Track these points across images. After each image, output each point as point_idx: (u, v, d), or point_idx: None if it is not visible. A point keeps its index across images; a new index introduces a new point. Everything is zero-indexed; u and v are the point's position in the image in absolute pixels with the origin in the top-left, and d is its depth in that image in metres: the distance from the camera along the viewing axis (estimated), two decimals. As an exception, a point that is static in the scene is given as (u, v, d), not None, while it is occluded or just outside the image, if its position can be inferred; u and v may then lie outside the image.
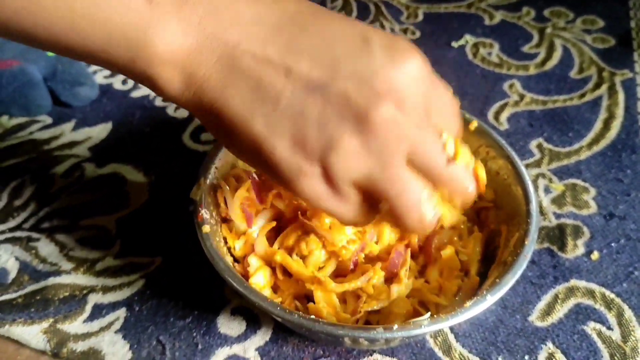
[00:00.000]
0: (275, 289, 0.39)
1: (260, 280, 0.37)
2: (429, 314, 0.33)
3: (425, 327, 0.31)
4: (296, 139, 0.26)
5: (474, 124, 0.43)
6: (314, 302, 0.36)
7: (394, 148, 0.26)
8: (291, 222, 0.39)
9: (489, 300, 0.32)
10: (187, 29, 0.26)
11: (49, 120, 0.57)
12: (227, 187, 0.39)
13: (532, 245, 0.35)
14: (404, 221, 0.28)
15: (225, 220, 0.40)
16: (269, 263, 0.39)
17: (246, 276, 0.38)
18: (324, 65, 0.26)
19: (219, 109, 0.27)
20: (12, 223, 0.48)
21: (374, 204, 0.29)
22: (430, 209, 0.29)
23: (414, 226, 0.29)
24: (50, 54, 0.58)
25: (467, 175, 0.30)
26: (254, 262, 0.38)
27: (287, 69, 0.26)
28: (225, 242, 0.39)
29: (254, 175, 0.39)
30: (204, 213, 0.37)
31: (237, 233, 0.39)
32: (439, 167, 0.28)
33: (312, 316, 0.33)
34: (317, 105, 0.26)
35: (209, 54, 0.26)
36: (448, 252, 0.38)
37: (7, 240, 0.46)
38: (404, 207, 0.28)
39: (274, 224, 0.39)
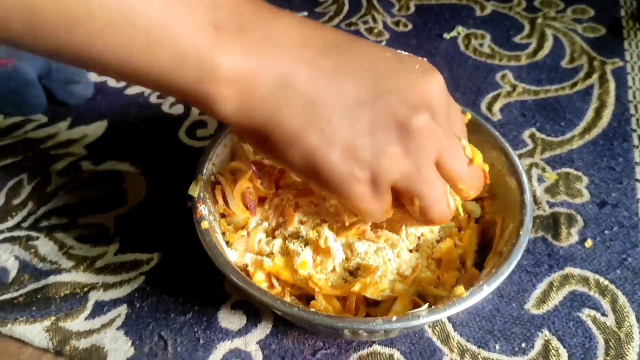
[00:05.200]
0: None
1: (261, 277, 0.37)
2: (426, 305, 0.34)
3: (424, 317, 0.32)
4: (348, 148, 0.30)
5: (468, 116, 0.43)
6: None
7: (429, 151, 0.31)
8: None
9: (486, 290, 0.33)
10: (248, 52, 0.28)
11: (44, 119, 0.57)
12: (226, 181, 0.39)
13: (527, 235, 0.36)
14: (434, 213, 0.33)
15: (224, 215, 0.40)
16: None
17: (245, 271, 0.38)
18: (369, 83, 0.30)
19: (273, 126, 0.30)
20: (10, 222, 0.48)
21: (398, 202, 0.33)
22: (452, 201, 0.33)
23: (442, 216, 0.33)
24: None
25: (481, 174, 0.35)
26: (248, 259, 0.38)
27: (338, 87, 0.30)
28: (224, 237, 0.39)
29: (254, 168, 0.39)
30: (203, 209, 0.37)
31: (236, 228, 0.40)
32: (463, 168, 0.33)
33: (312, 309, 0.33)
34: (366, 117, 0.30)
35: (266, 75, 0.29)
36: (447, 244, 0.39)
37: (6, 240, 0.46)
38: (433, 201, 0.32)
39: (265, 226, 0.40)
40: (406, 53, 0.33)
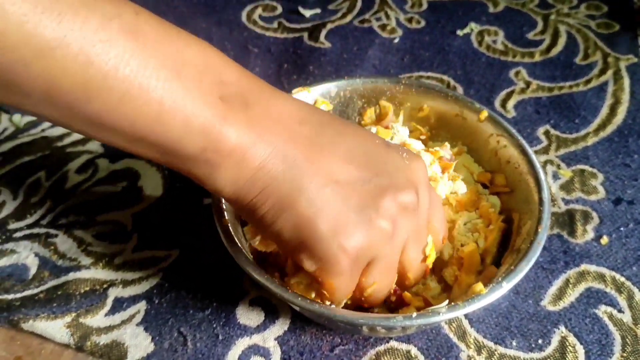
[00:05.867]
0: None
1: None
2: (446, 301, 0.34)
3: (443, 314, 0.32)
4: (338, 221, 0.31)
5: (484, 114, 0.44)
6: None
7: (405, 232, 0.33)
8: None
9: (505, 287, 0.33)
10: (250, 125, 0.30)
11: (60, 117, 0.58)
12: None
13: (545, 232, 0.36)
14: (376, 297, 0.35)
15: None
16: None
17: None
18: (360, 164, 0.32)
19: (266, 196, 0.31)
20: (29, 220, 0.48)
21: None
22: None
23: (376, 303, 0.36)
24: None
25: (425, 271, 0.38)
26: None
27: (330, 165, 0.31)
28: (244, 234, 0.40)
29: None
30: (223, 205, 0.37)
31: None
32: (418, 261, 0.36)
33: (332, 305, 0.34)
34: (356, 195, 0.31)
35: (263, 149, 0.30)
36: (470, 248, 0.39)
37: (25, 237, 0.47)
38: (382, 289, 0.35)
39: None
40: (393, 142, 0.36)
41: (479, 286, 0.34)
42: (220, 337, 0.40)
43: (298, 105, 0.33)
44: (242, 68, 0.32)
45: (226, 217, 0.37)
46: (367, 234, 0.31)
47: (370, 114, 0.48)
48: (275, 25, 0.70)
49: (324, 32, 0.69)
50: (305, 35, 0.69)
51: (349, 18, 0.71)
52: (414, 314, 0.32)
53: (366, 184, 0.32)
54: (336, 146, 0.32)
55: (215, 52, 0.31)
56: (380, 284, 0.34)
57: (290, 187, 0.30)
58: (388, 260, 0.33)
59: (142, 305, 0.42)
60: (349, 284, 0.33)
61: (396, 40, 0.67)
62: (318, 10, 0.73)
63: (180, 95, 0.28)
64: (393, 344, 0.40)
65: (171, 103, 0.28)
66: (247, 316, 0.41)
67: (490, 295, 0.33)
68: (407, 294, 0.37)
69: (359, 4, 0.74)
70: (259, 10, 0.73)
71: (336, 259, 0.31)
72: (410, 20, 0.71)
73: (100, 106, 0.27)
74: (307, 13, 0.72)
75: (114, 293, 0.43)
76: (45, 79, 0.26)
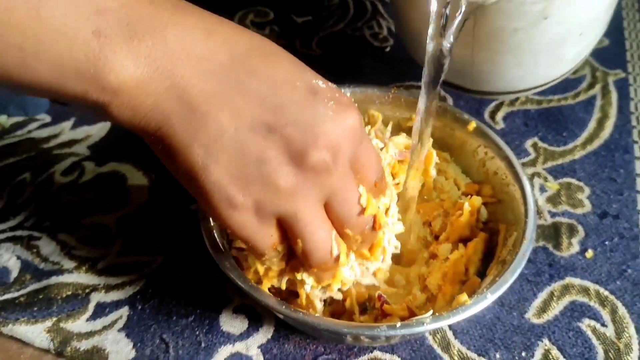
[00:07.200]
0: None
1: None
2: (430, 312, 0.34)
3: (428, 324, 0.32)
4: (232, 172, 0.28)
5: (473, 125, 0.44)
6: None
7: (319, 192, 0.30)
8: None
9: (489, 298, 0.33)
10: (136, 60, 0.27)
11: (47, 118, 0.57)
12: None
13: (530, 243, 0.36)
14: (314, 257, 0.32)
15: None
16: None
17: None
18: (269, 109, 0.29)
19: (163, 135, 0.28)
20: (12, 222, 0.48)
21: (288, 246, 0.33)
22: (336, 248, 0.33)
23: (321, 262, 0.33)
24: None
25: (371, 222, 0.34)
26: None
27: (233, 108, 0.28)
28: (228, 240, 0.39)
29: None
30: None
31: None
32: (352, 213, 0.32)
33: (317, 314, 0.33)
34: (258, 145, 0.28)
35: (157, 85, 0.27)
36: (455, 256, 0.39)
37: (8, 239, 0.46)
38: (315, 245, 0.32)
39: None
40: (330, 84, 0.31)
41: (464, 297, 0.34)
42: (203, 345, 0.40)
43: (206, 32, 0.29)
44: None
45: (212, 223, 0.37)
46: (264, 190, 0.29)
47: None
48: (267, 31, 0.70)
49: (315, 40, 0.69)
50: (297, 42, 0.69)
51: (341, 25, 0.71)
52: (398, 324, 0.32)
53: (271, 135, 0.28)
54: (244, 86, 0.29)
55: None
56: (308, 244, 0.31)
57: (184, 129, 0.28)
58: (298, 218, 0.30)
59: (124, 311, 0.42)
60: (259, 237, 0.31)
61: (387, 50, 0.67)
62: (310, 18, 0.73)
63: (44, 32, 0.25)
64: (377, 354, 0.40)
65: (34, 47, 0.25)
66: (231, 324, 0.41)
67: (475, 306, 0.33)
68: (387, 307, 0.37)
69: (351, 12, 0.74)
70: (251, 16, 0.73)
71: (227, 213, 0.29)
72: (401, 29, 0.71)
73: None
74: (299, 19, 0.72)
75: (96, 298, 0.42)
76: None
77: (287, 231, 0.32)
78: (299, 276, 0.34)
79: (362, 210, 0.32)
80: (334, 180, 0.30)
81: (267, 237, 0.31)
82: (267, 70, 0.29)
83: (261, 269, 0.35)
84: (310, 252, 0.32)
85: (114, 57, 0.26)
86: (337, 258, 0.33)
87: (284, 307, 0.33)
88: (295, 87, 0.30)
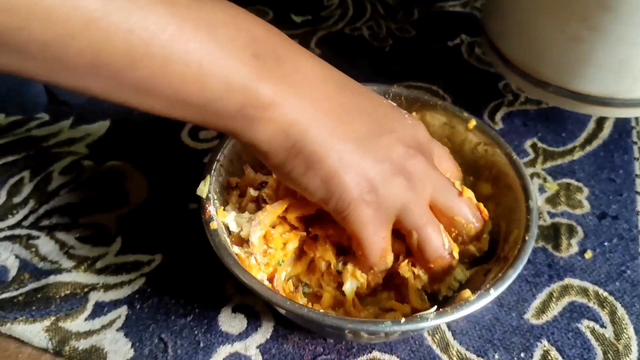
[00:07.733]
0: None
1: (263, 277, 0.37)
2: (434, 307, 0.34)
3: (432, 320, 0.32)
4: (361, 173, 0.33)
5: (473, 122, 0.44)
6: None
7: (426, 189, 0.36)
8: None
9: (492, 294, 0.33)
10: (284, 81, 0.32)
11: (46, 117, 0.57)
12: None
13: (532, 240, 0.36)
14: (431, 247, 0.36)
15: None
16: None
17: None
18: (373, 122, 0.35)
19: (299, 149, 0.33)
20: (11, 221, 0.48)
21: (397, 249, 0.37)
22: (447, 241, 0.37)
23: (437, 252, 0.36)
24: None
25: (474, 205, 0.39)
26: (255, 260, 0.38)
27: (350, 121, 0.34)
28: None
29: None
30: (211, 209, 0.37)
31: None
32: (454, 200, 0.37)
33: (321, 310, 0.33)
34: (373, 150, 0.34)
35: (297, 103, 0.32)
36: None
37: (6, 238, 0.46)
38: (430, 236, 0.36)
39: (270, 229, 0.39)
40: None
41: (467, 293, 0.34)
42: (202, 344, 0.40)
43: (321, 64, 0.35)
44: (269, 24, 0.33)
45: (215, 222, 0.37)
46: (386, 186, 0.34)
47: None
48: (266, 30, 0.70)
49: (314, 39, 0.69)
50: (296, 41, 0.68)
51: (340, 25, 0.71)
52: (402, 319, 0.32)
53: (380, 139, 0.34)
54: (354, 105, 0.35)
55: (243, 11, 0.32)
56: (423, 233, 0.36)
57: (319, 143, 0.32)
58: (415, 211, 0.35)
59: (123, 310, 0.42)
60: (377, 238, 0.35)
61: (387, 49, 0.67)
62: (309, 17, 0.72)
63: (217, 56, 0.29)
64: (376, 354, 0.40)
65: (210, 64, 0.29)
66: (230, 323, 0.41)
67: (479, 302, 0.33)
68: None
69: (350, 12, 0.74)
70: (251, 15, 0.73)
71: (359, 209, 0.34)
72: (401, 29, 0.71)
73: (143, 73, 0.28)
74: (299, 19, 0.72)
75: (95, 297, 0.42)
76: (92, 51, 0.26)
77: (401, 228, 0.36)
78: (416, 271, 0.37)
79: (460, 193, 0.38)
80: (431, 177, 0.36)
81: (383, 242, 0.36)
82: (363, 92, 0.36)
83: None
84: (426, 242, 0.36)
85: (269, 76, 0.31)
86: (451, 253, 0.37)
87: (288, 302, 0.33)
88: (383, 104, 0.37)
